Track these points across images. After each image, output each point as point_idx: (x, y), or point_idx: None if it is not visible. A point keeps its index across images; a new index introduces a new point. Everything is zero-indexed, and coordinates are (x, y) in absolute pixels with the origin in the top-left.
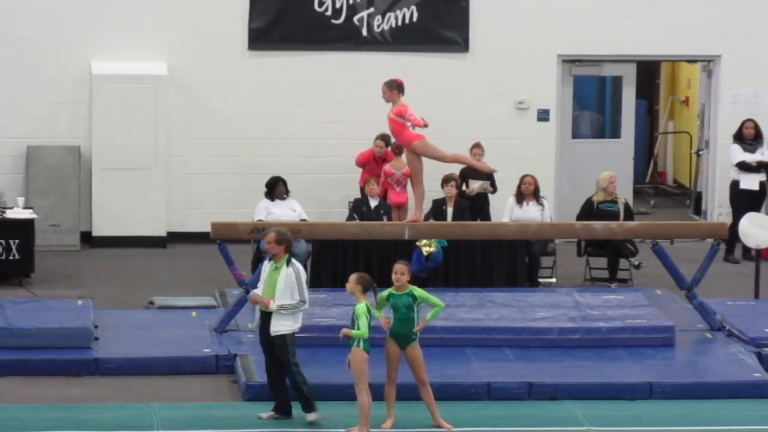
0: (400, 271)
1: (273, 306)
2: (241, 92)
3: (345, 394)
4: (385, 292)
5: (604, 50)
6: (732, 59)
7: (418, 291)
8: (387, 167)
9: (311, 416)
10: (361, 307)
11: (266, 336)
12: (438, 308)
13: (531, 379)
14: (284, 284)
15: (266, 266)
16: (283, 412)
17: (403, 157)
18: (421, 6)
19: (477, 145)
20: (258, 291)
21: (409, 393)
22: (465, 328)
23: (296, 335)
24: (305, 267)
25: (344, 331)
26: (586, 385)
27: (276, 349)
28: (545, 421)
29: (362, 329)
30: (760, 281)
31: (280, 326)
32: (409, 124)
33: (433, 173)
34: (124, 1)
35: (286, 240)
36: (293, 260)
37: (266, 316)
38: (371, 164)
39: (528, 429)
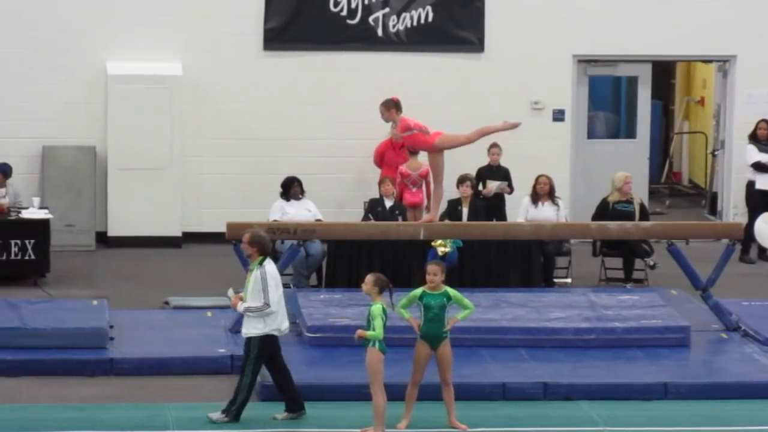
0: (433, 271)
1: (240, 308)
2: (256, 92)
3: (360, 394)
4: (417, 291)
5: (619, 50)
6: (747, 59)
7: (453, 292)
8: (403, 168)
9: (216, 415)
10: (377, 308)
11: None
12: (469, 311)
13: (546, 380)
14: (253, 286)
15: None
16: (294, 410)
17: (419, 157)
18: (436, 6)
19: (494, 145)
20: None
21: (424, 393)
22: (480, 328)
23: (310, 336)
24: (320, 267)
25: (359, 332)
26: (601, 385)
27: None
28: (560, 421)
29: (377, 330)
30: None
31: (250, 329)
32: (417, 131)
33: (448, 173)
34: (139, 1)
35: (258, 242)
36: (266, 262)
37: None
38: (389, 152)
39: (543, 429)
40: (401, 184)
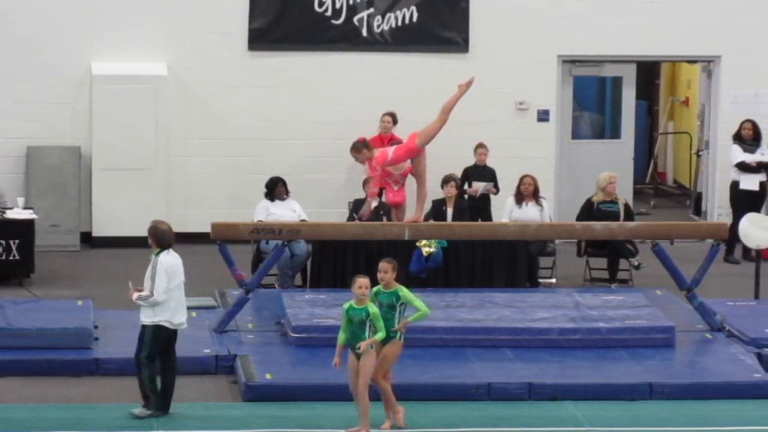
0: (384, 269)
1: (133, 296)
2: (241, 92)
3: (345, 394)
4: (374, 289)
5: (604, 51)
6: (732, 60)
7: (404, 292)
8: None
9: (138, 410)
10: (376, 310)
11: None
12: (421, 313)
13: (531, 380)
14: (147, 275)
15: None
16: (160, 409)
17: None
18: (421, 6)
19: (481, 145)
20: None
21: (409, 394)
22: (465, 328)
23: (295, 336)
24: (305, 267)
25: (366, 343)
26: (586, 385)
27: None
28: (545, 421)
29: (382, 332)
30: (760, 282)
31: (143, 317)
32: (393, 154)
33: (433, 173)
34: (124, 1)
35: (153, 234)
36: (164, 253)
37: None
38: (378, 146)
39: (528, 429)
40: (383, 182)
